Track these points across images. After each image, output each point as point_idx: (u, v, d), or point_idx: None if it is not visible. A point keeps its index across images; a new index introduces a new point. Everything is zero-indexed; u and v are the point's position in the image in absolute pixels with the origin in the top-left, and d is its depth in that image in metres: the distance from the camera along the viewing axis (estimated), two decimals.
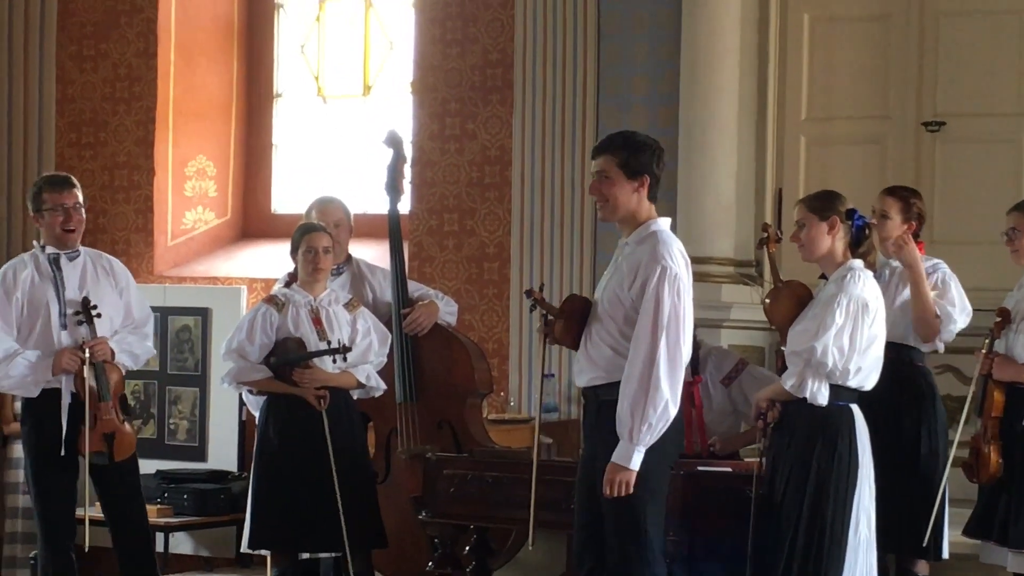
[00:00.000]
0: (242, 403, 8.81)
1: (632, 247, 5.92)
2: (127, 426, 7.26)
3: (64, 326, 7.21)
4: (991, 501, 6.97)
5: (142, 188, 10.58)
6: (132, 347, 7.36)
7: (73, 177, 7.50)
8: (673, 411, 5.75)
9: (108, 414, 7.16)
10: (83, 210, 7.39)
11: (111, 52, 10.75)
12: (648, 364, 5.72)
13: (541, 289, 6.26)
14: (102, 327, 7.23)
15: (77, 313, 7.18)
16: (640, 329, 5.77)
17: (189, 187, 10.77)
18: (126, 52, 10.71)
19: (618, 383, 5.81)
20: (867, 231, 6.25)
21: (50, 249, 7.35)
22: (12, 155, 10.83)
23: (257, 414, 7.55)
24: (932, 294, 7.00)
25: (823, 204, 6.23)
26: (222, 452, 9.74)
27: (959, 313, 7.02)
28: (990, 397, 6.91)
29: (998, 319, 6.95)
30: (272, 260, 10.04)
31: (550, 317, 6.04)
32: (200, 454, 9.79)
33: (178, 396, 9.80)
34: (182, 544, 9.70)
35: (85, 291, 7.25)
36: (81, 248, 7.42)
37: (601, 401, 5.91)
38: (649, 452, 5.77)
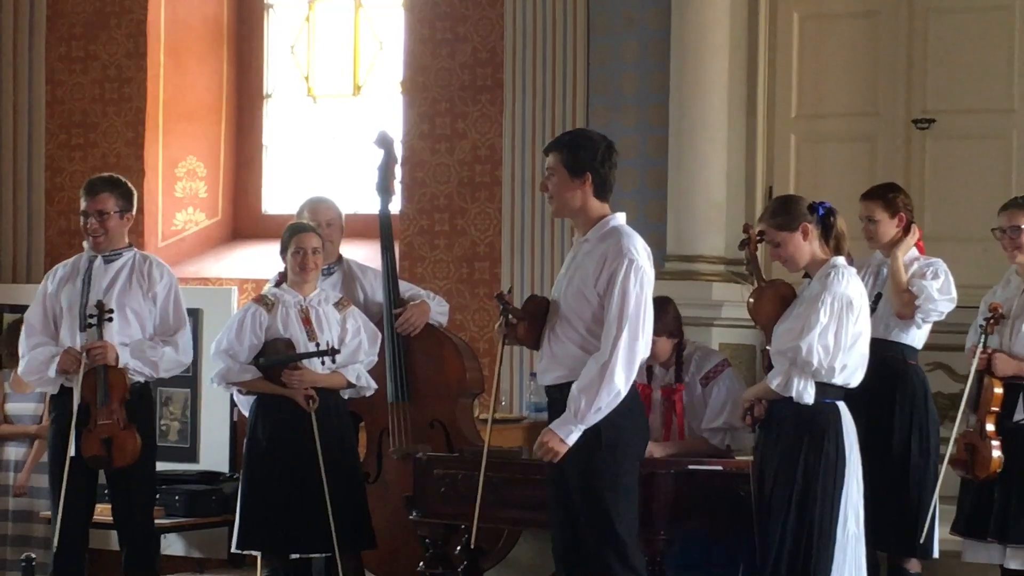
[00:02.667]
0: (233, 404, 8.79)
1: (593, 244, 5.98)
2: (130, 432, 7.19)
3: (83, 327, 7.21)
4: (982, 498, 6.95)
5: None
6: (147, 354, 7.29)
7: (118, 180, 7.45)
8: (618, 399, 5.82)
9: (107, 418, 7.13)
10: (111, 216, 7.31)
11: (100, 53, 10.74)
12: (609, 352, 5.79)
13: (510, 292, 6.31)
14: (120, 332, 7.21)
15: (92, 316, 7.18)
16: (607, 319, 5.84)
17: (179, 188, 10.77)
18: (115, 53, 10.70)
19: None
20: (832, 218, 6.21)
21: (89, 252, 7.38)
22: (2, 157, 10.82)
23: (247, 414, 7.55)
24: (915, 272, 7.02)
25: (789, 217, 6.17)
26: (213, 453, 9.73)
27: (940, 294, 7.00)
28: (988, 392, 6.89)
29: (989, 315, 6.94)
30: (263, 261, 10.02)
31: (512, 319, 6.08)
32: (191, 455, 9.78)
33: (169, 397, 9.78)
34: (174, 545, 9.69)
35: (108, 297, 7.22)
36: (128, 251, 7.40)
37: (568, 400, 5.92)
38: (616, 453, 5.85)
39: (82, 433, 7.13)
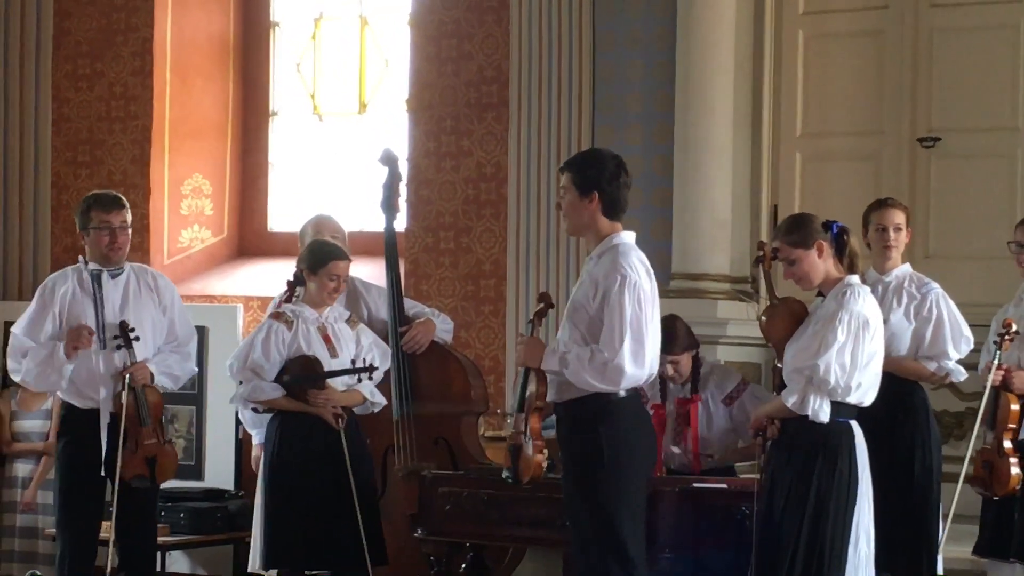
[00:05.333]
0: (239, 422, 8.79)
1: (595, 260, 6.05)
2: (168, 447, 7.25)
3: (103, 346, 7.18)
4: (1003, 517, 6.95)
5: (138, 207, 10.55)
6: (172, 368, 7.32)
7: (123, 198, 7.41)
8: (628, 376, 5.86)
9: (150, 438, 7.13)
10: (129, 230, 7.33)
11: (107, 71, 10.76)
12: (613, 353, 5.83)
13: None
14: (142, 348, 7.19)
15: (116, 337, 7.14)
16: (604, 333, 5.87)
17: (185, 206, 10.78)
18: (122, 71, 10.72)
19: (587, 397, 5.92)
20: (845, 237, 6.22)
21: (93, 266, 7.30)
22: (8, 174, 10.84)
23: (253, 433, 7.50)
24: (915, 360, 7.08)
25: (804, 235, 6.16)
26: (219, 471, 9.73)
27: (953, 348, 7.02)
28: (1005, 409, 6.89)
29: (1003, 331, 6.94)
30: (269, 278, 10.03)
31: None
32: (197, 473, 9.77)
33: (175, 414, 9.78)
34: (178, 563, 9.69)
35: (125, 313, 7.19)
36: (126, 264, 7.36)
37: (573, 416, 5.97)
38: (621, 468, 5.88)
39: (120, 454, 7.07)
